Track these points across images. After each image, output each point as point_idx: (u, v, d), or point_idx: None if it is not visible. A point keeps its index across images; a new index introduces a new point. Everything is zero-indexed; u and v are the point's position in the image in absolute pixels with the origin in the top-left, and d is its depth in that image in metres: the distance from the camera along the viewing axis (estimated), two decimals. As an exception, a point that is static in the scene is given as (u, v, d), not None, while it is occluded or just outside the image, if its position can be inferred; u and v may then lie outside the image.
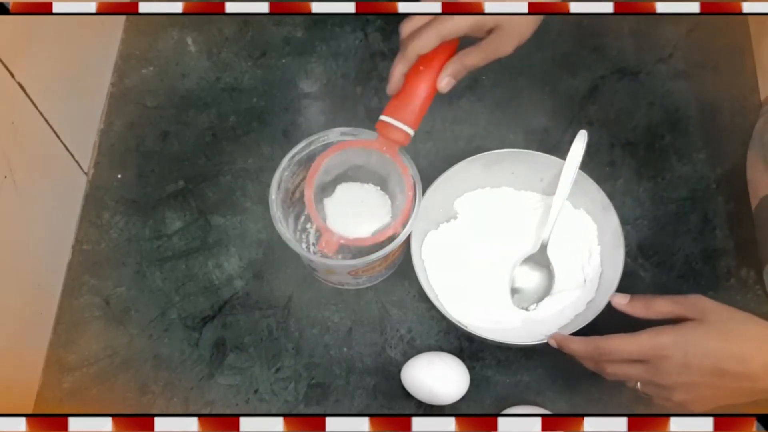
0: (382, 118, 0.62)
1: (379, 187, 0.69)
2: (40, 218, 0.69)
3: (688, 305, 0.56)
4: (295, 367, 0.69)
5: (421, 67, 0.60)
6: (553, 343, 0.61)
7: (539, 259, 0.68)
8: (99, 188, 0.77)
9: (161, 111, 0.81)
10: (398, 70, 0.60)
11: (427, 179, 0.67)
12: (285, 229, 0.62)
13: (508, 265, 0.70)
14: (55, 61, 0.70)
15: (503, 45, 0.60)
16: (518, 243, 0.71)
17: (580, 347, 0.59)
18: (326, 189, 0.68)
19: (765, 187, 0.70)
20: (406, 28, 0.61)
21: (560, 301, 0.68)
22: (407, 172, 0.63)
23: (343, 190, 0.68)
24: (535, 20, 0.60)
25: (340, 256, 0.72)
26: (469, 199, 0.72)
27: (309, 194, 0.63)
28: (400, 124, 0.61)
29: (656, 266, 0.73)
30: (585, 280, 0.68)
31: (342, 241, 0.62)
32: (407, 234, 0.63)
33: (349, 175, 0.69)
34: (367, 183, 0.69)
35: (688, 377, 0.55)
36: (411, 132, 0.62)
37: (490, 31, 0.59)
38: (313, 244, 0.72)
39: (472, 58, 0.60)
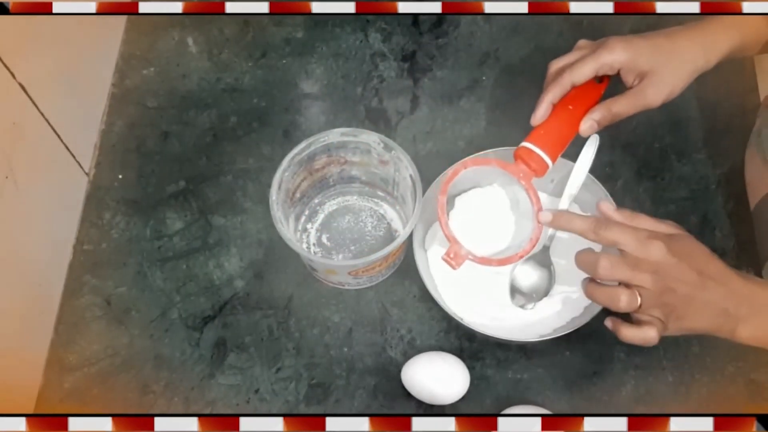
0: (527, 145, 0.63)
1: (506, 199, 0.69)
2: (41, 218, 0.69)
3: (670, 226, 0.56)
4: (295, 367, 0.69)
5: (570, 106, 0.62)
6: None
7: (541, 259, 0.68)
8: (100, 188, 0.77)
9: (162, 111, 0.81)
10: (548, 98, 0.62)
11: (427, 179, 0.68)
12: (286, 229, 0.63)
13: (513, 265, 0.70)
14: (56, 62, 0.70)
15: (652, 96, 0.61)
16: (522, 242, 0.70)
17: (582, 220, 0.57)
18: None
19: (763, 186, 0.70)
20: (556, 64, 0.64)
21: (558, 303, 0.68)
22: (539, 202, 0.63)
23: (466, 202, 0.70)
24: (688, 74, 0.61)
25: (340, 256, 0.72)
26: (476, 195, 0.72)
27: (443, 201, 0.62)
28: (543, 154, 0.62)
29: (656, 266, 0.73)
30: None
31: (470, 257, 0.62)
32: (408, 233, 0.63)
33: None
34: (491, 193, 0.69)
35: (677, 276, 0.54)
36: (550, 164, 0.63)
37: (642, 76, 0.61)
38: (314, 244, 0.73)
39: (619, 106, 0.62)
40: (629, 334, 0.56)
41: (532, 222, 0.63)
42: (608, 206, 0.59)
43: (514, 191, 0.69)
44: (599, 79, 0.64)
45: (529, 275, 0.68)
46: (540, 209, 0.63)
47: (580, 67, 0.61)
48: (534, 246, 0.62)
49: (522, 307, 0.68)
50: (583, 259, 0.57)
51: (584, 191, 0.68)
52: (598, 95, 0.64)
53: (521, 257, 0.62)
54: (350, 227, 0.73)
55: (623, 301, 0.54)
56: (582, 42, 0.66)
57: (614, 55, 0.61)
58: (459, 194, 0.71)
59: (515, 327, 0.67)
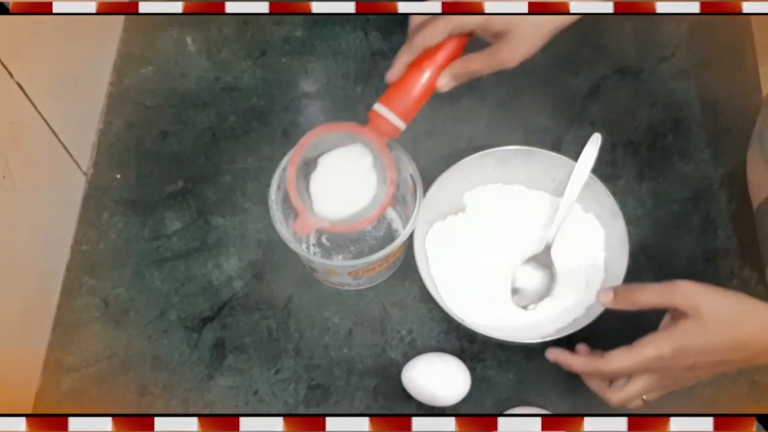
0: (376, 107, 0.61)
1: (369, 157, 0.65)
2: (38, 219, 0.69)
3: (678, 296, 0.54)
4: (295, 368, 0.69)
5: (423, 63, 0.59)
6: (550, 357, 0.60)
7: (542, 259, 0.68)
8: (98, 188, 0.77)
9: (160, 111, 0.81)
10: (402, 59, 0.59)
11: (427, 179, 0.67)
12: (285, 229, 0.62)
13: (511, 263, 0.69)
14: (54, 61, 0.69)
15: (510, 55, 0.58)
16: (524, 242, 0.70)
17: (581, 368, 0.58)
18: (311, 164, 0.65)
19: (766, 186, 0.70)
20: (415, 19, 0.60)
21: (560, 304, 0.68)
22: (392, 165, 0.62)
23: (328, 162, 0.65)
24: (546, 33, 0.58)
25: (340, 257, 0.72)
26: (479, 194, 0.72)
27: (291, 172, 0.61)
28: (392, 116, 0.60)
29: (658, 266, 0.73)
30: (587, 285, 0.68)
31: (317, 227, 0.61)
32: (408, 234, 0.62)
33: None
34: (354, 152, 0.65)
35: (692, 374, 0.56)
36: (402, 126, 0.61)
37: (499, 36, 0.58)
38: (314, 245, 0.72)
39: (476, 64, 0.59)
40: (614, 398, 0.58)
41: (386, 184, 0.61)
42: (604, 298, 0.58)
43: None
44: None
45: (530, 276, 0.68)
46: (392, 170, 0.61)
47: (431, 30, 0.58)
48: (384, 208, 0.60)
49: (523, 307, 0.68)
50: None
51: (586, 191, 0.68)
52: (456, 50, 0.59)
53: (370, 222, 0.61)
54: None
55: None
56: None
57: (466, 16, 0.57)
58: (321, 155, 0.66)
59: (516, 328, 0.67)
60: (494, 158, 0.69)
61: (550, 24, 0.58)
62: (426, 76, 0.59)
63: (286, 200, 0.66)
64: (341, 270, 0.66)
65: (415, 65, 0.59)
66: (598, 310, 0.63)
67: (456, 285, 0.68)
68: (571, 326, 0.65)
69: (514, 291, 0.68)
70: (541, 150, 0.69)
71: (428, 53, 0.59)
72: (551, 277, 0.68)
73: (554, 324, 0.66)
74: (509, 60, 0.58)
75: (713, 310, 0.53)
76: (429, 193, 0.67)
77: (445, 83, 0.60)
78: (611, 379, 0.58)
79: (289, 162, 0.61)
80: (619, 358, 0.55)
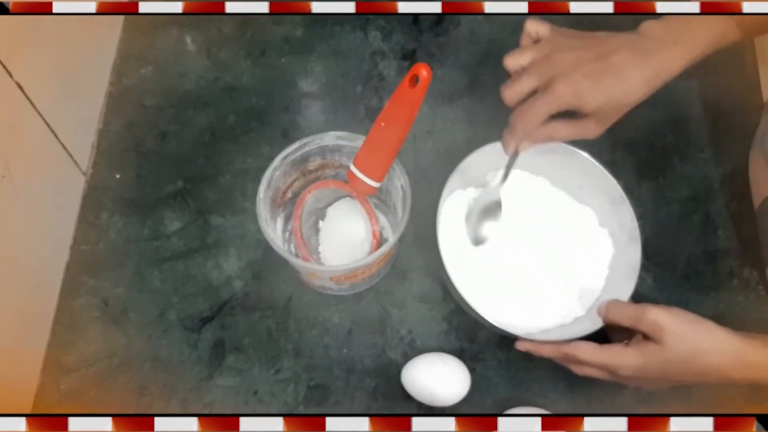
0: (352, 168, 0.64)
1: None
2: (38, 218, 0.69)
3: (645, 323, 0.56)
4: (294, 368, 0.69)
5: (382, 123, 0.61)
6: (521, 348, 0.63)
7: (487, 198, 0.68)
8: (97, 188, 0.77)
9: (160, 111, 0.81)
10: (509, 143, 0.63)
11: (428, 179, 0.67)
12: (269, 228, 0.62)
13: (511, 248, 0.69)
14: (54, 61, 0.69)
15: (593, 130, 0.62)
16: (528, 231, 0.70)
17: (550, 353, 0.61)
18: (320, 212, 0.71)
19: (767, 186, 0.70)
20: (509, 93, 0.63)
21: (549, 308, 0.67)
22: (373, 218, 0.68)
23: (335, 212, 0.71)
24: (630, 108, 0.61)
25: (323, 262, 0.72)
26: (344, 204, 0.71)
27: (297, 225, 0.67)
28: (366, 178, 0.63)
29: (658, 266, 0.73)
30: (579, 297, 0.67)
31: (318, 269, 0.67)
32: (392, 245, 0.62)
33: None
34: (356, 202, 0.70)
35: (648, 386, 0.61)
36: (377, 185, 0.64)
37: (587, 113, 0.61)
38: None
39: (560, 132, 0.62)
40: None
41: (369, 234, 0.67)
42: (600, 307, 0.62)
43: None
44: (415, 80, 0.56)
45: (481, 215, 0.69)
46: (374, 222, 0.67)
47: (531, 113, 0.61)
48: (373, 255, 0.62)
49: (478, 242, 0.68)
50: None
51: (610, 206, 0.67)
52: (414, 101, 0.57)
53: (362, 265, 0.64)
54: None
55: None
56: (528, 47, 0.66)
57: (561, 101, 0.60)
58: (329, 204, 0.72)
59: (513, 318, 0.66)
60: (536, 147, 0.68)
61: (636, 100, 0.61)
62: (387, 133, 0.61)
63: (274, 200, 0.66)
64: (323, 274, 0.66)
65: (376, 126, 0.61)
66: (585, 327, 0.62)
67: (459, 256, 0.67)
68: (554, 332, 0.64)
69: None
70: (583, 153, 0.68)
71: (386, 111, 0.60)
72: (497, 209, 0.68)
73: (539, 326, 0.65)
74: (595, 133, 0.62)
75: (676, 341, 0.55)
76: (464, 163, 0.66)
77: (526, 145, 0.63)
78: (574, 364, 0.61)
79: (294, 217, 0.67)
80: (586, 351, 0.59)
